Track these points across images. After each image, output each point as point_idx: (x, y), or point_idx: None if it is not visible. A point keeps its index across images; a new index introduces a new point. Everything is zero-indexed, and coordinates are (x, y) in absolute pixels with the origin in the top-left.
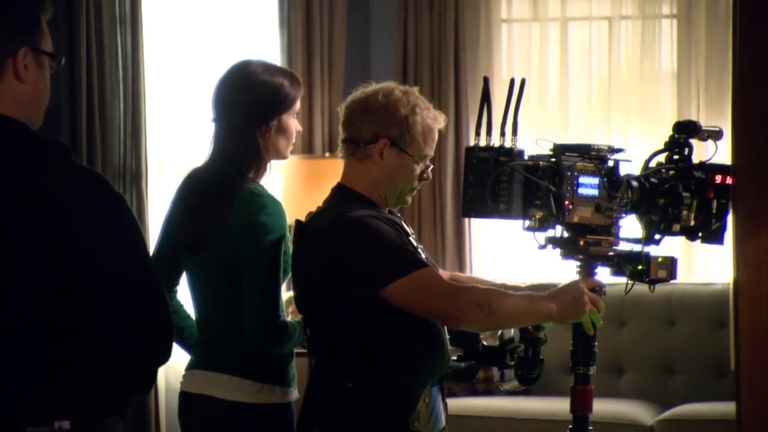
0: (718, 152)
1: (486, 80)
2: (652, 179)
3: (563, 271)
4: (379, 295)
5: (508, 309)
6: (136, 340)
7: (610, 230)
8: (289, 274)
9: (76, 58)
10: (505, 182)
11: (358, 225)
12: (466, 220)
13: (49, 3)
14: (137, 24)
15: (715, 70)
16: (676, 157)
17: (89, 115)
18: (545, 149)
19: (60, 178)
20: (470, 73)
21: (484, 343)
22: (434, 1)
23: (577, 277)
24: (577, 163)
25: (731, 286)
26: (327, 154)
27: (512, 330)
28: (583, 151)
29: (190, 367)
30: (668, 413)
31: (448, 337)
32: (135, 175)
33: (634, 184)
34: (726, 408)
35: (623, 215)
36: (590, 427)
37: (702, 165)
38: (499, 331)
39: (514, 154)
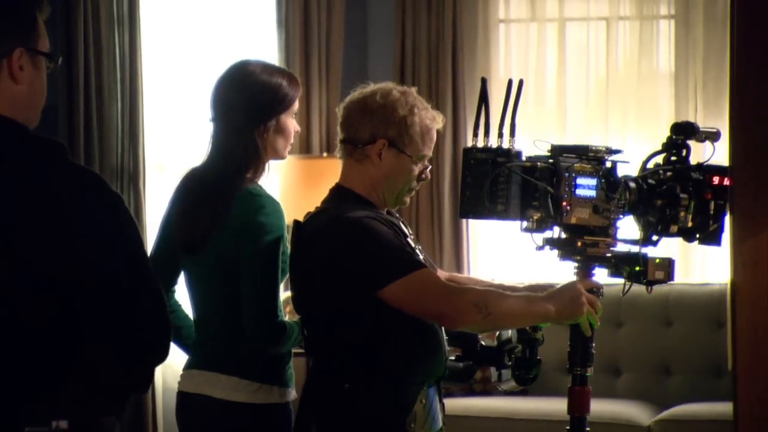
0: (716, 153)
1: (484, 81)
2: (650, 180)
3: (561, 272)
4: (377, 296)
5: (505, 310)
6: (133, 340)
7: (607, 231)
8: (287, 274)
9: (74, 58)
10: (503, 183)
11: (356, 226)
12: (464, 220)
13: (45, 2)
14: (135, 24)
15: (713, 71)
16: (673, 158)
17: (87, 115)
18: (543, 150)
19: (57, 177)
20: (468, 73)
21: (483, 343)
22: (432, 1)
23: (574, 278)
24: (575, 164)
25: (728, 286)
26: (325, 154)
27: (510, 330)
28: (581, 152)
29: (188, 366)
30: (665, 413)
31: (446, 337)
32: (132, 175)
33: (632, 185)
34: (723, 408)
35: (621, 216)
36: (587, 428)
37: (700, 166)
38: (497, 332)
39: (511, 155)
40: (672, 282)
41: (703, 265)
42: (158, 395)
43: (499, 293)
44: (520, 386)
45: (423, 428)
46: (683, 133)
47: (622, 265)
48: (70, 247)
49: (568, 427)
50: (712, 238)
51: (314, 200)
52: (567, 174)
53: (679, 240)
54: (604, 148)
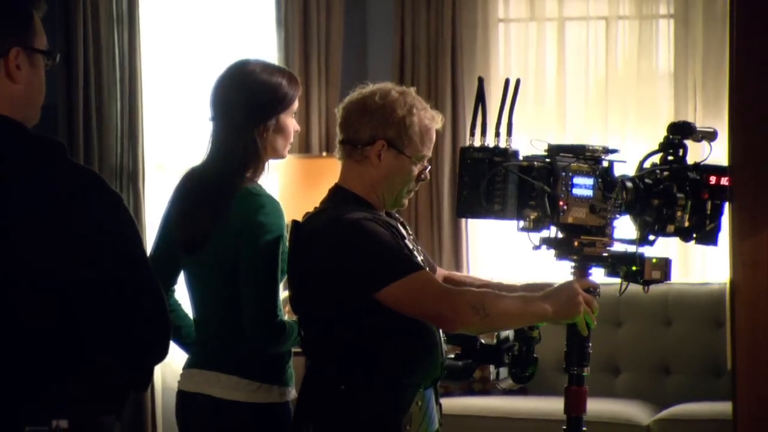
0: (713, 153)
1: (481, 80)
2: (647, 180)
3: (559, 271)
4: (375, 297)
5: (502, 311)
6: (133, 339)
7: (604, 231)
8: (287, 274)
9: (73, 58)
10: (500, 183)
11: (354, 227)
12: (463, 220)
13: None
14: (134, 23)
15: (712, 70)
16: (670, 158)
17: (86, 115)
18: (540, 150)
19: (56, 177)
20: (467, 72)
21: (482, 341)
22: (431, 0)
23: (571, 277)
24: (572, 164)
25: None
26: (324, 154)
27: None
28: (578, 151)
29: (188, 366)
30: (665, 413)
31: (444, 337)
32: (132, 175)
33: (629, 184)
34: (722, 408)
35: (617, 216)
36: (584, 428)
37: (697, 166)
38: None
39: (508, 154)
40: (671, 282)
41: (703, 265)
42: (158, 394)
43: (496, 294)
44: (517, 384)
45: (419, 430)
46: (680, 132)
47: (618, 264)
48: (69, 247)
49: (564, 428)
50: (708, 237)
51: (314, 199)
52: (564, 173)
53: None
54: (601, 148)
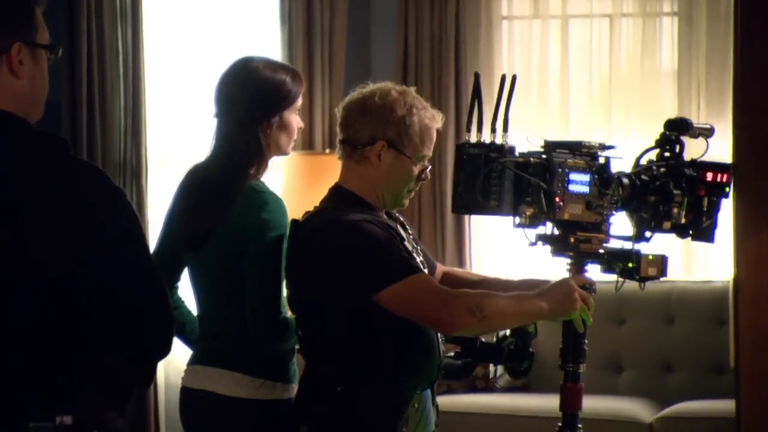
0: (711, 150)
1: (477, 76)
2: (643, 176)
3: (562, 267)
4: (372, 299)
5: (499, 311)
6: (136, 335)
7: (600, 227)
8: None
9: (77, 53)
10: (496, 179)
11: (353, 229)
12: (466, 217)
13: None
14: (138, 19)
15: (716, 68)
16: (667, 154)
17: (89, 111)
18: (537, 146)
19: (59, 172)
20: (471, 70)
21: (482, 339)
22: None
23: (567, 274)
24: (568, 160)
25: (731, 283)
26: (327, 151)
27: None
28: (574, 147)
29: (192, 362)
30: (667, 411)
31: (442, 338)
32: (135, 171)
33: (625, 181)
34: (725, 405)
35: (614, 212)
36: (579, 425)
37: (693, 162)
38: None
39: (504, 150)
40: (674, 279)
41: (705, 263)
42: (160, 391)
43: (492, 295)
44: (514, 379)
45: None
46: (677, 129)
47: (614, 261)
48: (72, 243)
49: (560, 424)
50: (705, 234)
51: (317, 196)
52: (560, 170)
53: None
54: (597, 144)
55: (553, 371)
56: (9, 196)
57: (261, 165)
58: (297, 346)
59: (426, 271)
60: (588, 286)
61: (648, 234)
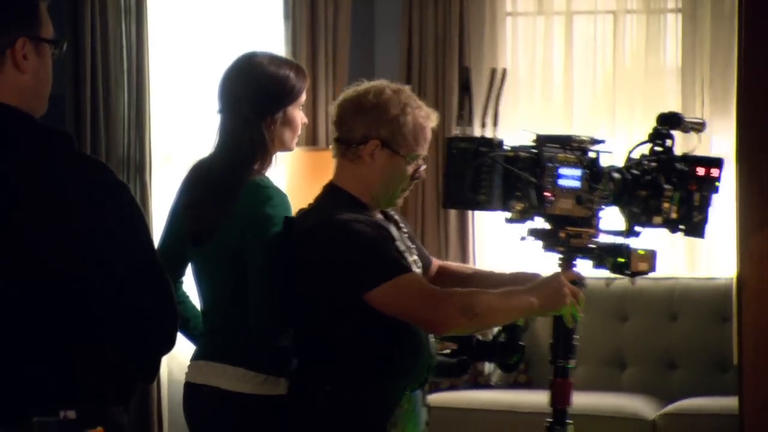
0: (714, 146)
1: (466, 70)
2: (634, 171)
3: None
4: (363, 300)
5: (490, 309)
6: (140, 330)
7: (590, 222)
8: None
9: (81, 49)
10: (486, 173)
11: (343, 229)
12: (469, 212)
13: None
14: (142, 15)
15: (720, 66)
16: (659, 149)
17: (93, 106)
18: (528, 140)
19: (63, 166)
20: (475, 66)
21: (479, 337)
22: None
23: (558, 269)
24: (558, 155)
25: (734, 280)
26: (331, 146)
27: None
28: (564, 142)
29: (195, 358)
30: (670, 407)
31: (433, 339)
32: (139, 166)
33: (616, 176)
34: (728, 402)
35: (604, 207)
36: (569, 421)
37: (685, 157)
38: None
39: (493, 144)
40: (676, 276)
41: (709, 260)
42: (164, 387)
43: (482, 292)
44: (505, 373)
45: None
46: (668, 123)
47: (605, 256)
48: (76, 237)
49: (549, 419)
50: (696, 229)
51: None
52: (550, 164)
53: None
54: (588, 138)
55: None
56: (13, 190)
57: (265, 160)
58: None
59: (419, 270)
60: (578, 281)
61: (638, 229)
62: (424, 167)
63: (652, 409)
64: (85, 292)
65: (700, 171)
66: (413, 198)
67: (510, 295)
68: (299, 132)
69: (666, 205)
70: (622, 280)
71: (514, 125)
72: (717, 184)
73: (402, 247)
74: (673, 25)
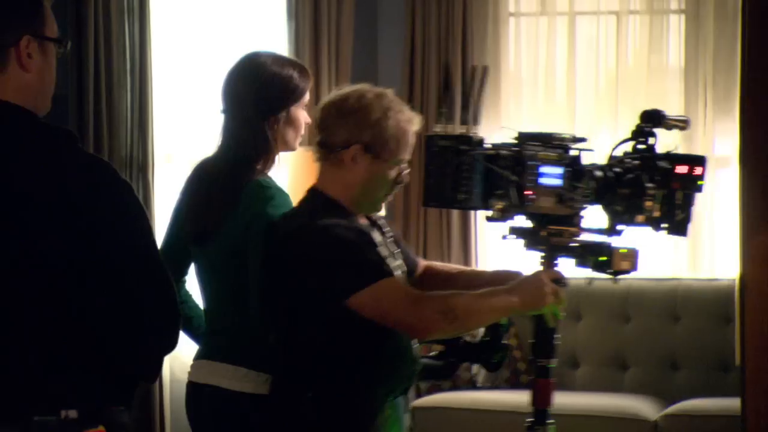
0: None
1: (447, 68)
2: (616, 169)
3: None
4: (344, 306)
5: (471, 310)
6: (142, 329)
7: (572, 221)
8: None
9: (84, 49)
10: (466, 172)
11: (323, 234)
12: (472, 213)
13: None
14: (145, 14)
15: (723, 66)
16: (641, 146)
17: (96, 106)
18: (510, 137)
19: (67, 165)
20: (478, 66)
21: (466, 339)
22: None
23: (540, 267)
24: (539, 153)
25: (737, 281)
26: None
27: None
28: (545, 140)
29: (198, 357)
30: (672, 408)
31: (416, 345)
32: (141, 166)
33: (598, 174)
34: (731, 403)
35: (586, 205)
36: (551, 420)
37: (668, 155)
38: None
39: (474, 142)
40: (678, 277)
41: (711, 260)
42: (166, 386)
43: (462, 294)
44: (489, 372)
45: None
46: (651, 121)
47: (587, 255)
48: (79, 236)
49: (530, 419)
50: (678, 228)
51: None
52: (531, 162)
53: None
54: (569, 136)
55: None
56: (16, 188)
57: (268, 160)
58: None
59: (403, 275)
60: (559, 280)
61: (621, 227)
62: (407, 171)
63: (655, 410)
64: (87, 291)
65: (683, 169)
66: (415, 198)
67: (491, 295)
68: (302, 132)
69: (648, 203)
70: (623, 283)
71: (517, 125)
72: (700, 182)
73: (385, 253)
74: (676, 26)
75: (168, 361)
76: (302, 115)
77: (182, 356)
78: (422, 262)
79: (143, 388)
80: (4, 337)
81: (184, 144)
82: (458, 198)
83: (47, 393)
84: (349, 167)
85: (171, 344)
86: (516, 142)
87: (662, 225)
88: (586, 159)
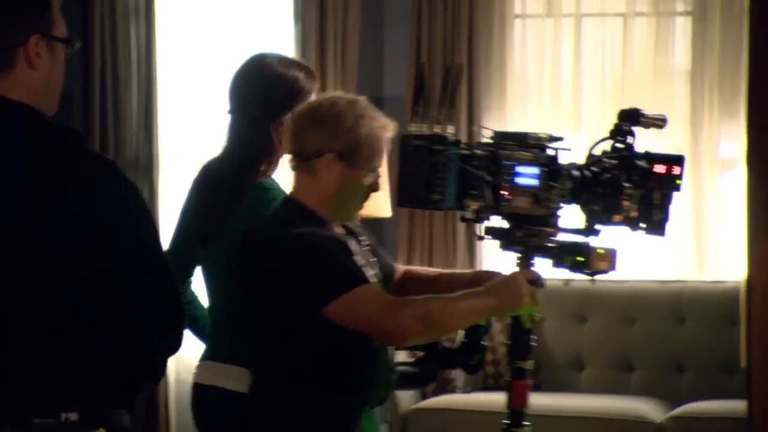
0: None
1: (422, 66)
2: (593, 168)
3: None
4: (320, 315)
5: (448, 314)
6: (146, 329)
7: (548, 221)
8: None
9: (90, 50)
10: (440, 172)
11: (298, 243)
12: None
13: None
14: (151, 16)
15: (730, 69)
16: (620, 146)
17: (102, 107)
18: (486, 137)
19: (73, 164)
20: (484, 68)
21: (445, 344)
22: None
23: (516, 269)
24: (515, 153)
25: (744, 283)
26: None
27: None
28: (521, 139)
29: (204, 358)
30: (678, 410)
31: (391, 354)
32: (147, 167)
33: (575, 173)
34: (736, 406)
35: (563, 205)
36: (527, 423)
37: (647, 154)
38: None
39: (448, 142)
40: (684, 279)
41: (717, 263)
42: (171, 387)
43: (437, 298)
44: (468, 374)
45: None
46: (628, 119)
47: (564, 255)
48: (84, 236)
49: (506, 421)
50: (656, 228)
51: None
52: (507, 162)
53: (691, 236)
54: (546, 136)
55: (563, 370)
56: (22, 186)
57: (272, 162)
58: None
59: (379, 283)
60: (536, 281)
61: (598, 227)
62: (381, 177)
63: (660, 413)
64: (90, 291)
65: (661, 169)
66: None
67: (467, 297)
68: None
69: (626, 203)
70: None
71: (523, 127)
72: (678, 182)
73: (361, 262)
74: (683, 28)
75: (173, 362)
76: None
77: (187, 357)
78: (401, 268)
79: (148, 389)
80: (5, 337)
81: (190, 145)
82: (432, 198)
83: (48, 395)
84: (323, 176)
85: (175, 345)
86: (491, 141)
87: (640, 225)
88: (566, 158)
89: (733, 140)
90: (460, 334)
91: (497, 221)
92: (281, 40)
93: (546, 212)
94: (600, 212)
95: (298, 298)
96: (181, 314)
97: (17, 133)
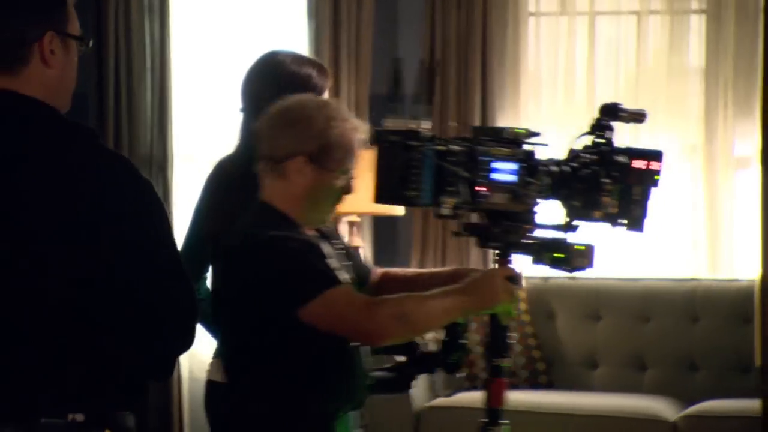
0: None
1: (397, 62)
2: (573, 164)
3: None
4: (295, 318)
5: (424, 313)
6: (157, 328)
7: (526, 217)
8: None
9: (105, 47)
10: (415, 168)
11: (267, 247)
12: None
13: None
14: (165, 13)
15: (744, 67)
16: (601, 140)
17: (116, 104)
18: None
19: (87, 161)
20: (497, 66)
21: (422, 349)
22: None
23: (494, 266)
24: (492, 149)
25: (758, 281)
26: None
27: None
28: (498, 134)
29: (216, 355)
30: (691, 409)
31: (367, 358)
32: (161, 164)
33: (554, 169)
34: (750, 405)
35: (541, 201)
36: (504, 421)
37: (627, 150)
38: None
39: (422, 137)
40: (697, 277)
41: (730, 261)
42: (184, 385)
43: (414, 297)
44: (447, 374)
45: None
46: (608, 114)
47: (543, 251)
48: (95, 232)
49: (484, 419)
50: (635, 224)
51: None
52: (483, 158)
53: (705, 235)
54: (523, 131)
55: (575, 369)
56: (36, 183)
57: None
58: None
59: (350, 284)
60: (513, 278)
61: (577, 223)
62: (354, 180)
63: (673, 411)
64: (100, 290)
65: (640, 164)
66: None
67: (443, 295)
68: None
69: (605, 199)
70: (642, 282)
71: (537, 126)
72: (657, 177)
73: (335, 265)
74: (697, 26)
75: (186, 359)
76: None
77: (200, 354)
78: (378, 270)
79: (162, 386)
80: (13, 337)
81: (204, 143)
82: (408, 195)
83: (55, 395)
84: (295, 179)
85: (185, 344)
86: (468, 137)
87: (620, 221)
88: (545, 154)
89: (747, 139)
90: (433, 335)
91: (475, 218)
92: (295, 37)
93: (524, 209)
94: (579, 208)
95: (272, 302)
96: (192, 313)
97: (31, 129)
